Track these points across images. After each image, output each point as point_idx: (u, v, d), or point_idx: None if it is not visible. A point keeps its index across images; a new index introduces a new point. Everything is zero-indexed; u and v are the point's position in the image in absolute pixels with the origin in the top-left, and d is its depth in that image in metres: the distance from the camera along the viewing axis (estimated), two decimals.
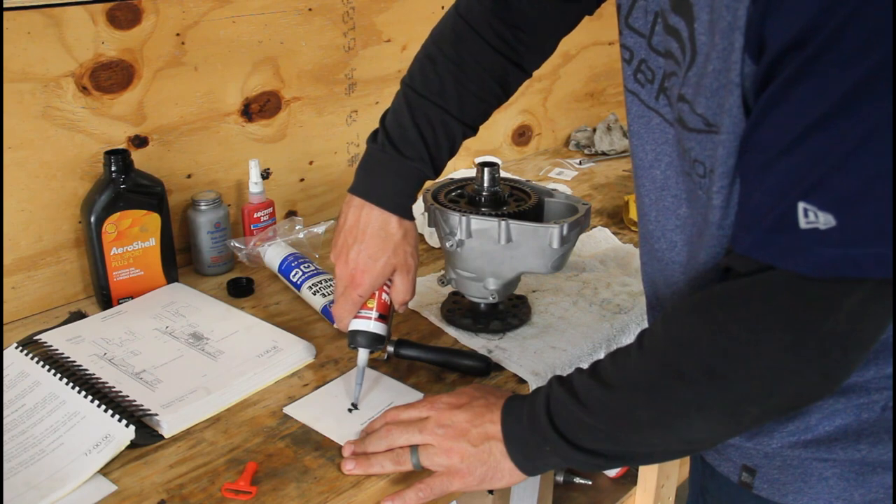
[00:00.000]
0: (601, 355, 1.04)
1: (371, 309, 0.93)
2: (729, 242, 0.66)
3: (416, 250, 0.95)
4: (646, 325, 1.04)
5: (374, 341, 0.93)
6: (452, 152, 0.95)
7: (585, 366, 0.75)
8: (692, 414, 0.67)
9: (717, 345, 0.64)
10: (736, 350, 0.63)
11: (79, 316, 1.10)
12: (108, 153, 1.08)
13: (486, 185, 1.04)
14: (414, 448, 0.80)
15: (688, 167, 0.68)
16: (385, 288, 0.94)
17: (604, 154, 1.81)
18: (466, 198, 1.06)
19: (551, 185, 1.17)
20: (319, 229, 1.28)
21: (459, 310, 1.10)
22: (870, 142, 0.53)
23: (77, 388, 0.89)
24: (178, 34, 1.17)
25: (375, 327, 0.93)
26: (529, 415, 0.75)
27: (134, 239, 1.11)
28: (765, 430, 0.73)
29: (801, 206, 0.56)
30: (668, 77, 0.69)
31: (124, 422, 0.84)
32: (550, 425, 0.73)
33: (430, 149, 0.92)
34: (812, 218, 0.55)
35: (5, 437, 0.84)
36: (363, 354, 0.93)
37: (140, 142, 1.17)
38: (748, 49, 0.57)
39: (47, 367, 0.94)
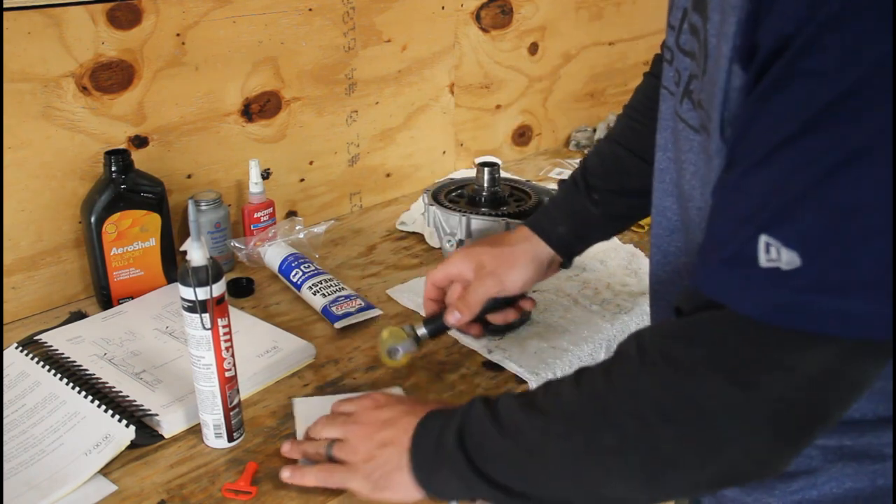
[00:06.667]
0: (601, 356, 1.05)
1: None
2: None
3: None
4: (645, 324, 1.03)
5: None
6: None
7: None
8: (608, 461, 0.58)
9: (649, 390, 0.56)
10: (668, 402, 0.55)
11: (79, 316, 1.10)
12: (109, 153, 1.08)
13: (486, 185, 1.04)
14: (333, 441, 0.78)
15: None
16: None
17: None
18: (466, 198, 1.06)
19: (551, 186, 1.17)
20: (319, 229, 1.28)
21: None
22: (847, 168, 0.44)
23: (77, 389, 0.89)
24: (178, 34, 1.17)
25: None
26: (442, 427, 0.69)
27: (134, 239, 1.11)
28: (764, 485, 0.66)
29: (762, 239, 0.47)
30: (691, 80, 0.62)
31: (124, 422, 0.84)
32: (458, 442, 0.66)
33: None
34: (774, 255, 0.47)
35: (5, 437, 0.84)
36: None
37: (140, 142, 1.17)
38: (738, 58, 0.51)
39: (47, 367, 0.94)
